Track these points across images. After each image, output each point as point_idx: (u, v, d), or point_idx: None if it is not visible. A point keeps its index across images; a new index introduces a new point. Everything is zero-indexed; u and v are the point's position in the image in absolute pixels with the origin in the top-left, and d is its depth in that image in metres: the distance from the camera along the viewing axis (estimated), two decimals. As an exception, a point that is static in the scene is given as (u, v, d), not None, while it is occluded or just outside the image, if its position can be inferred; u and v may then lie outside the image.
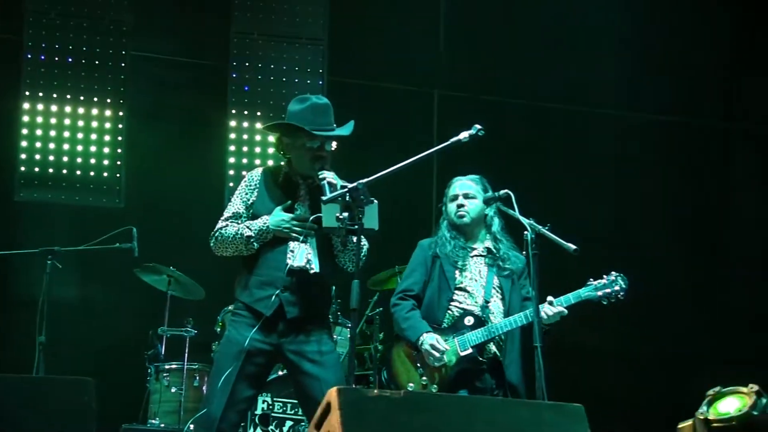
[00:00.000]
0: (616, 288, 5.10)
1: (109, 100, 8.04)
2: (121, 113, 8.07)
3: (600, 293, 5.10)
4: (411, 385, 5.13)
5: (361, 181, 4.32)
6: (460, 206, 5.30)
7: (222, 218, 4.78)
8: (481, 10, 8.76)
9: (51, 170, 7.93)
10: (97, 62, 8.05)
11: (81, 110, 7.99)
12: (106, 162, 8.04)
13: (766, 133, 9.38)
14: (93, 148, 8.01)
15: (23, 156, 7.91)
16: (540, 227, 4.71)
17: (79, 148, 7.99)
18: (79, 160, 7.99)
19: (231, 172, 8.20)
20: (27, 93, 7.94)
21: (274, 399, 6.30)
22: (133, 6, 8.20)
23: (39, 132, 7.94)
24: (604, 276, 5.13)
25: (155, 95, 8.28)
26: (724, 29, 9.14)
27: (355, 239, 4.38)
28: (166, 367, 6.89)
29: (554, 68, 8.82)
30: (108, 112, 8.04)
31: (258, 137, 8.27)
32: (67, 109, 7.98)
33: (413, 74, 8.85)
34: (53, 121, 7.95)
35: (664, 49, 9.02)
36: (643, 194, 9.00)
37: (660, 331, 8.63)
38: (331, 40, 8.48)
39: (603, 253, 7.30)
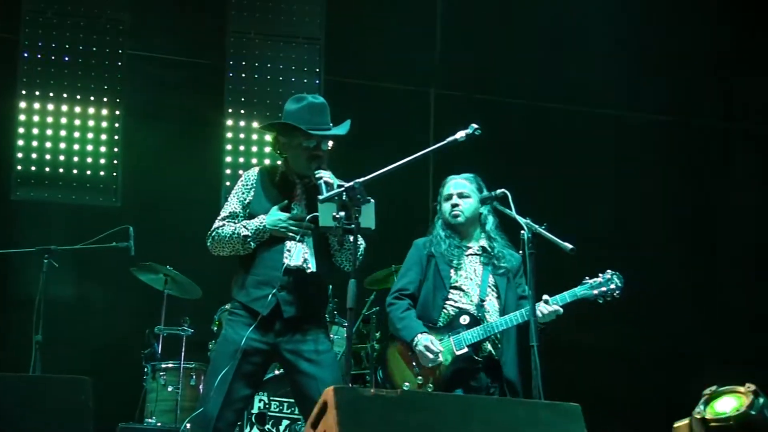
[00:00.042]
0: (612, 286, 5.08)
1: (105, 99, 8.06)
2: (117, 112, 8.08)
3: (596, 291, 5.07)
4: (406, 384, 5.12)
5: (357, 180, 4.30)
6: (454, 205, 5.29)
7: (219, 218, 4.78)
8: (478, 10, 8.74)
9: (48, 169, 7.94)
10: (93, 61, 8.07)
11: (78, 109, 8.00)
12: (102, 161, 8.05)
13: (766, 133, 9.37)
14: (90, 147, 8.02)
15: (20, 155, 7.92)
16: (537, 226, 4.68)
17: (76, 147, 8.01)
18: (75, 159, 8.00)
19: (228, 172, 8.20)
20: (24, 92, 7.95)
21: (271, 398, 6.30)
22: (130, 5, 8.22)
23: (36, 131, 7.95)
24: (600, 274, 5.11)
25: (152, 94, 8.28)
26: (723, 29, 9.12)
27: (351, 238, 4.36)
28: (163, 366, 6.90)
29: (553, 68, 8.81)
30: (105, 111, 8.05)
31: (255, 136, 8.27)
32: (64, 107, 7.99)
33: (410, 74, 8.84)
34: (50, 120, 7.96)
35: (663, 48, 9.01)
36: (643, 194, 8.98)
37: (659, 330, 8.62)
38: (328, 39, 8.49)
39: (602, 253, 7.25)
